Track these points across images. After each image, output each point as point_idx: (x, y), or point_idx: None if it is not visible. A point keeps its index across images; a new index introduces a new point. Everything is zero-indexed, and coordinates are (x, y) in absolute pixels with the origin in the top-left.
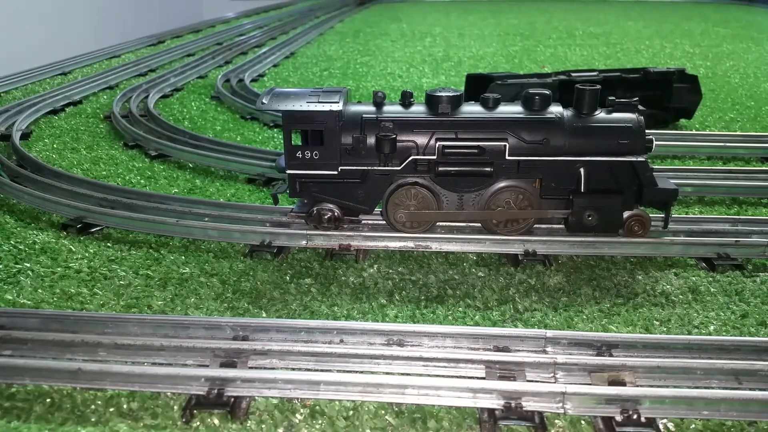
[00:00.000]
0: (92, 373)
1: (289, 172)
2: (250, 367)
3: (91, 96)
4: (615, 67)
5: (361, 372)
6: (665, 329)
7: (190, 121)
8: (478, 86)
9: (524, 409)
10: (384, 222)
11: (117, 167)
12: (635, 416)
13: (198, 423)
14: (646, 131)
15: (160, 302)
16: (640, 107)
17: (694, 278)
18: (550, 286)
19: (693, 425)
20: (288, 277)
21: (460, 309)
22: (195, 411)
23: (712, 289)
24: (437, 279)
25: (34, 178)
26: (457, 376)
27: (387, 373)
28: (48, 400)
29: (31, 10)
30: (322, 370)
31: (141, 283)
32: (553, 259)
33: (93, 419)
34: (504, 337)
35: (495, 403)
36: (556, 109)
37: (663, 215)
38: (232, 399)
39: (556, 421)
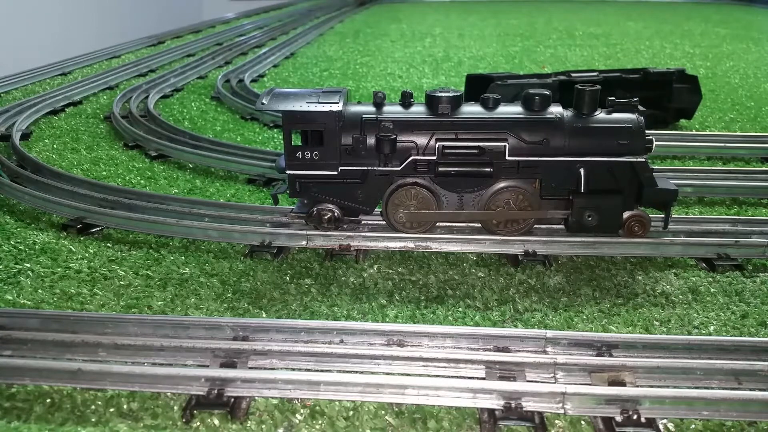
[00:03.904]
0: (92, 373)
1: (288, 172)
2: (250, 368)
3: (91, 96)
4: (615, 68)
5: (361, 372)
6: (665, 329)
7: (190, 122)
8: (478, 87)
9: (524, 409)
10: (384, 222)
11: (117, 168)
12: (635, 416)
13: (198, 423)
14: (646, 131)
15: (160, 302)
16: (640, 107)
17: (694, 278)
18: (550, 286)
19: (693, 425)
20: (288, 278)
21: (460, 309)
22: (195, 411)
23: (712, 290)
24: (437, 279)
25: (34, 179)
26: (457, 377)
27: (387, 374)
28: (48, 400)
29: (32, 10)
30: (322, 371)
31: (141, 284)
32: (553, 260)
33: (93, 419)
34: (504, 338)
35: (495, 403)
36: (556, 110)
37: (663, 215)
38: (232, 399)
39: (556, 421)
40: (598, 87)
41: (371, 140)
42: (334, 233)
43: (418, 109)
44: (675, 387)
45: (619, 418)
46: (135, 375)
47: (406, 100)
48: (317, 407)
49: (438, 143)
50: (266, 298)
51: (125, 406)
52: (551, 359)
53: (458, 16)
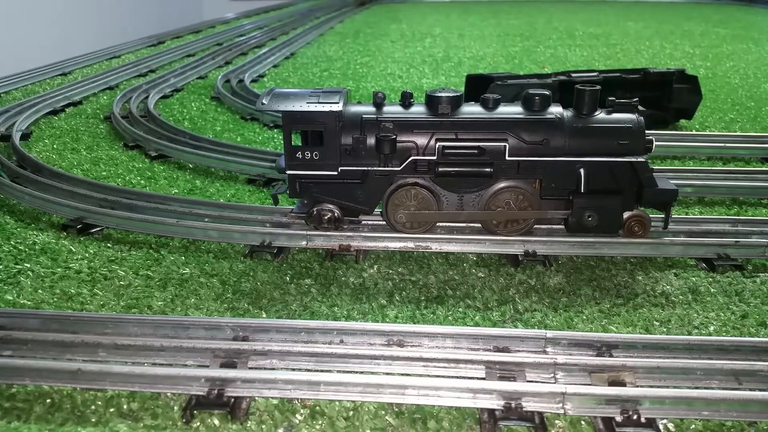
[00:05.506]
0: (92, 373)
1: (289, 172)
2: (250, 368)
3: (91, 96)
4: (615, 68)
5: (361, 372)
6: (665, 330)
7: (190, 122)
8: (478, 87)
9: (524, 409)
10: (384, 222)
11: (117, 168)
12: (635, 416)
13: (198, 423)
14: (646, 132)
15: (160, 303)
16: (640, 108)
17: (694, 279)
18: (550, 286)
19: (693, 425)
20: (288, 278)
21: (460, 309)
22: (195, 411)
23: (712, 290)
24: (437, 279)
25: (34, 179)
26: (457, 377)
27: (387, 374)
28: (48, 400)
29: (32, 10)
30: (322, 371)
31: (141, 284)
32: (553, 260)
33: (93, 420)
34: (504, 338)
35: (495, 403)
36: (556, 110)
37: (663, 216)
38: (232, 399)
39: (556, 421)
40: (598, 87)
41: (371, 140)
42: (334, 233)
43: (418, 110)
44: (675, 387)
45: (619, 418)
46: (135, 375)
47: (406, 101)
48: (317, 407)
49: (438, 143)
50: (266, 299)
51: (125, 407)
52: (551, 359)
53: (458, 16)
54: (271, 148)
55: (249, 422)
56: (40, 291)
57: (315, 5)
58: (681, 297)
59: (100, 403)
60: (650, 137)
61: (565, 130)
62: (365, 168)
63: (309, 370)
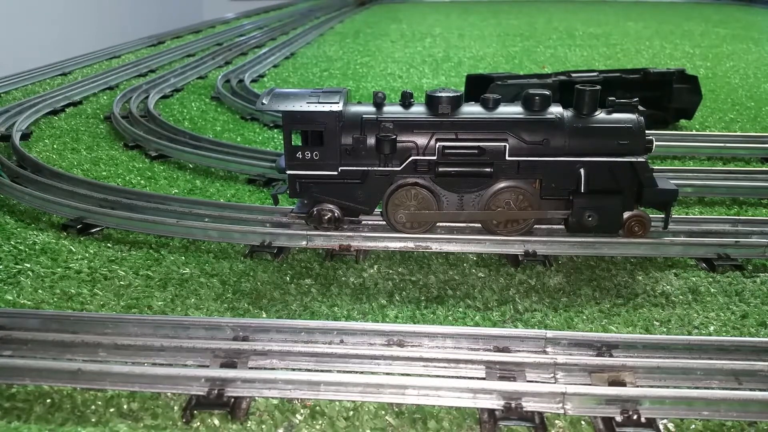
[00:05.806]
0: (92, 373)
1: (289, 172)
2: (251, 368)
3: (91, 96)
4: (615, 68)
5: (362, 372)
6: (665, 330)
7: (190, 122)
8: (478, 87)
9: (524, 409)
10: (384, 222)
11: (117, 168)
12: (635, 416)
13: (198, 423)
14: (646, 132)
15: (160, 303)
16: (640, 108)
17: (694, 279)
18: (550, 286)
19: (693, 425)
20: (288, 278)
21: (461, 309)
22: (195, 411)
23: (712, 290)
24: (437, 279)
25: (35, 179)
26: (457, 377)
27: (387, 374)
28: (48, 400)
29: (32, 10)
30: (322, 371)
31: (141, 284)
32: (554, 260)
33: (93, 420)
34: (504, 338)
35: (495, 403)
36: (556, 110)
37: (663, 216)
38: (233, 399)
39: (557, 421)
40: (598, 87)
41: (371, 140)
42: (334, 233)
43: (418, 110)
44: (675, 387)
45: (619, 418)
46: (135, 375)
47: (406, 101)
48: (317, 407)
49: (438, 143)
50: (266, 299)
51: (125, 406)
52: (551, 359)
53: (458, 16)
54: (271, 148)
55: (249, 422)
56: (40, 291)
57: (315, 5)
58: (681, 297)
59: (100, 403)
60: (650, 137)
61: (565, 130)
62: (365, 168)
63: (309, 370)
